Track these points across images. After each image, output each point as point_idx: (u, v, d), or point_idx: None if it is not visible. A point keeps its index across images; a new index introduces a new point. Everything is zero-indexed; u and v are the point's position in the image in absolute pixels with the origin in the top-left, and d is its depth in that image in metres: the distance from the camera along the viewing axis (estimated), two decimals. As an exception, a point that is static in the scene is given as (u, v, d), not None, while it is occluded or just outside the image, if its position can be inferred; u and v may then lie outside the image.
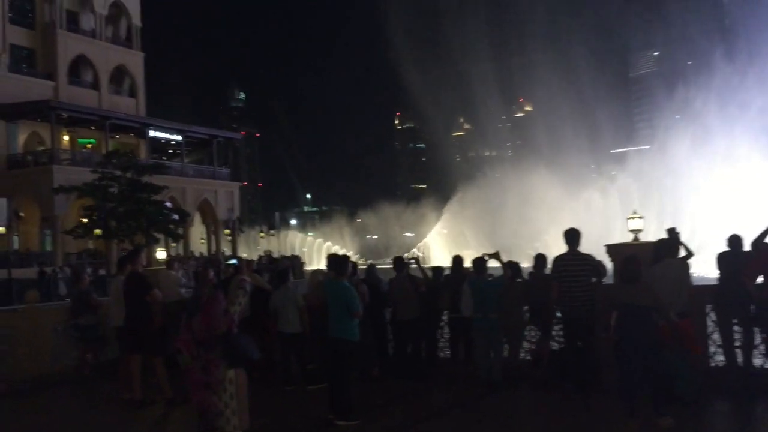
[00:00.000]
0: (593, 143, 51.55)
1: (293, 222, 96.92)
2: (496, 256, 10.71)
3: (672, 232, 9.17)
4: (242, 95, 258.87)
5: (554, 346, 11.07)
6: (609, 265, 10.44)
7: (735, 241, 9.60)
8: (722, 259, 9.57)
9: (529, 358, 11.38)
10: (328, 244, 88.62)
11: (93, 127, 53.31)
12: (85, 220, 41.74)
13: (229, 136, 71.37)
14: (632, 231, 10.39)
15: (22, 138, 50.55)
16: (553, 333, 11.12)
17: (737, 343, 9.59)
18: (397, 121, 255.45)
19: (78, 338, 13.13)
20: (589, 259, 10.12)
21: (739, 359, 9.59)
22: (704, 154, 41.88)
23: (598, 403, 9.22)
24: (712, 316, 9.80)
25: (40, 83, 51.51)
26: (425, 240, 70.77)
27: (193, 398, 6.81)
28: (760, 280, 8.74)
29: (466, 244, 71.85)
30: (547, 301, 10.63)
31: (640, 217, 10.58)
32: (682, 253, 9.41)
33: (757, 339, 9.32)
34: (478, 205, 73.40)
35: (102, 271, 40.95)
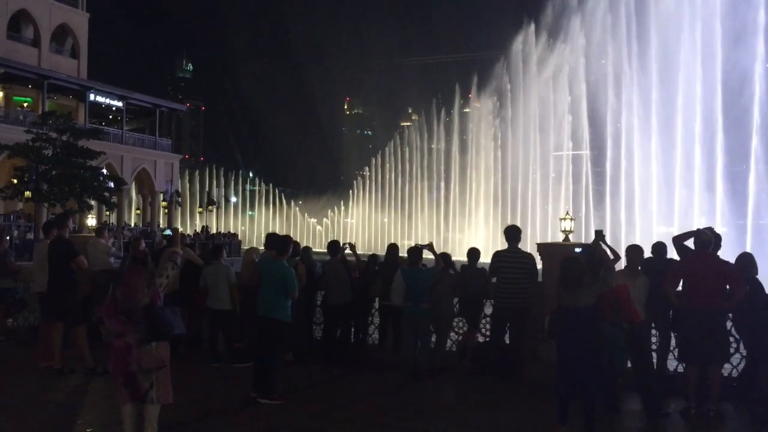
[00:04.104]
0: (537, 145, 52.33)
1: (234, 199, 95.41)
2: (429, 247, 10.84)
3: (599, 234, 9.42)
4: (190, 67, 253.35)
5: (480, 339, 11.30)
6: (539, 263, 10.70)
7: (659, 248, 9.95)
8: (645, 266, 9.90)
9: (455, 349, 11.57)
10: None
11: (30, 86, 51.43)
12: (15, 181, 40.26)
13: (173, 106, 69.82)
14: (563, 231, 10.64)
15: (-48, 90, 48.50)
16: (480, 326, 11.35)
17: (653, 346, 9.96)
18: (346, 106, 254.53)
19: (-4, 302, 12.71)
20: (526, 257, 10.38)
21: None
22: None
23: (521, 396, 9.49)
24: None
25: (-24, 35, 49.36)
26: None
27: (115, 369, 6.68)
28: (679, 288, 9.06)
29: (408, 233, 72.46)
30: (476, 294, 10.87)
31: (571, 219, 10.85)
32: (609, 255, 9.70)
33: (672, 343, 9.70)
34: (424, 199, 74.22)
35: (30, 235, 39.68)
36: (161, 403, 6.72)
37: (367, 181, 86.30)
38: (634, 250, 9.00)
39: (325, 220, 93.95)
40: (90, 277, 11.37)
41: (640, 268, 9.03)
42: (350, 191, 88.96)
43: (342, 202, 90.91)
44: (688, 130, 40.60)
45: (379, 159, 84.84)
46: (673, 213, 40.15)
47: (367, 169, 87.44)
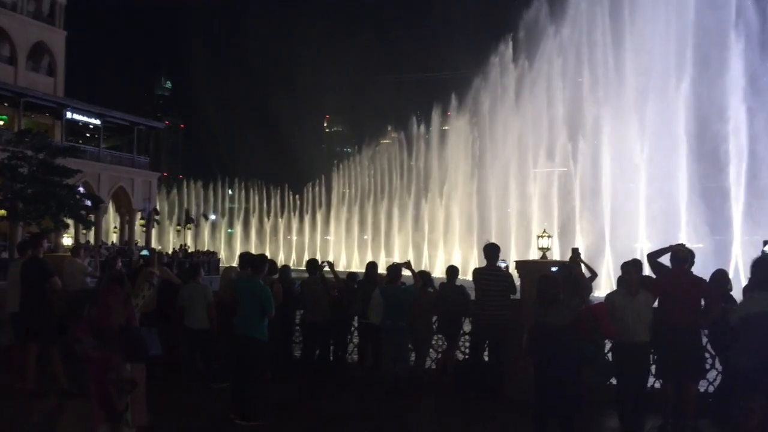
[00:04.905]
0: (515, 162, 52.65)
1: (213, 217, 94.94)
2: (407, 265, 10.84)
3: (575, 252, 9.47)
4: (169, 84, 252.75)
5: (459, 356, 11.30)
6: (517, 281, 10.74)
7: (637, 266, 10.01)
8: (622, 283, 9.96)
9: (434, 367, 11.55)
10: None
11: (6, 104, 50.96)
12: (-11, 200, 39.77)
13: (151, 124, 69.44)
14: (541, 249, 10.71)
15: (-74, 108, 47.91)
16: (459, 344, 11.35)
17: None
18: (326, 124, 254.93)
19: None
20: (505, 275, 10.44)
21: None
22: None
23: (500, 413, 9.50)
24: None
25: (-48, 53, 48.91)
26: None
27: (94, 382, 6.58)
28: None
29: (388, 252, 72.47)
30: (455, 311, 10.88)
31: (549, 236, 10.93)
32: (586, 273, 9.77)
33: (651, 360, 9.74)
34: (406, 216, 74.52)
35: (5, 254, 39.15)
36: (136, 425, 6.64)
37: (346, 198, 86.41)
38: (629, 266, 8.57)
39: (289, 237, 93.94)
40: (65, 297, 11.22)
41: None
42: (329, 208, 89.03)
43: (321, 220, 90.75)
44: (663, 146, 41.07)
45: (359, 175, 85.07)
46: (644, 229, 40.52)
47: (347, 186, 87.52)
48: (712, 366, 9.52)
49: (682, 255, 8.72)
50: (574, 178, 47.87)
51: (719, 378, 9.49)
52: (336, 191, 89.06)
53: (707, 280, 8.86)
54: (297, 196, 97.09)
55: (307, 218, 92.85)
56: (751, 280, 7.64)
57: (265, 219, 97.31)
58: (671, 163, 40.49)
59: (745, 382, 7.46)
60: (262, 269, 9.33)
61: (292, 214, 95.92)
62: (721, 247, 37.34)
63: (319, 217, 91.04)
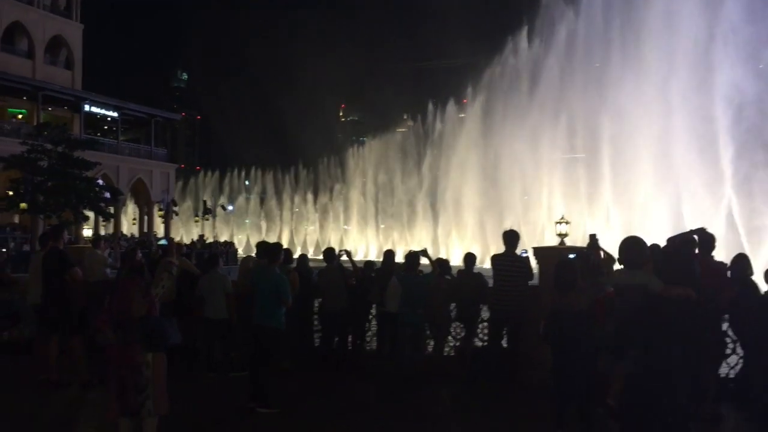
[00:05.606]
0: (532, 150, 52.07)
1: (230, 207, 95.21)
2: (424, 253, 10.82)
3: (593, 237, 9.42)
4: (185, 76, 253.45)
5: (478, 343, 11.30)
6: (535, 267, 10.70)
7: (654, 250, 9.93)
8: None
9: (453, 354, 11.56)
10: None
11: (25, 98, 51.37)
12: (11, 193, 40.20)
13: (168, 116, 69.79)
14: (559, 235, 10.65)
15: (-54, 103, 48.48)
16: (478, 331, 11.34)
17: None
18: (341, 113, 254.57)
19: (-8, 314, 12.64)
20: (522, 261, 10.40)
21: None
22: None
23: (518, 400, 9.48)
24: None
25: (-29, 48, 49.36)
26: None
27: (112, 379, 6.65)
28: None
29: (403, 241, 72.46)
30: (473, 298, 10.87)
31: (567, 222, 10.87)
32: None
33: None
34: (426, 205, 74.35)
35: (26, 246, 39.62)
36: (158, 414, 6.70)
37: (364, 188, 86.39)
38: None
39: (311, 227, 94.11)
40: (86, 288, 11.33)
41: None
42: (347, 197, 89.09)
43: (339, 209, 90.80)
44: (681, 134, 40.54)
45: (374, 164, 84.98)
46: (667, 214, 40.09)
47: (362, 174, 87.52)
48: (733, 351, 9.44)
49: (689, 238, 8.62)
50: (595, 164, 47.38)
51: (740, 363, 9.41)
52: (352, 177, 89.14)
53: (717, 262, 8.78)
54: (311, 169, 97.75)
55: (324, 198, 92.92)
56: (619, 259, 7.63)
57: (284, 201, 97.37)
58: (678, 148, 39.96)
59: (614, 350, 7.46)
60: (277, 258, 9.36)
61: (306, 189, 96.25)
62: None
63: (336, 189, 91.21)
